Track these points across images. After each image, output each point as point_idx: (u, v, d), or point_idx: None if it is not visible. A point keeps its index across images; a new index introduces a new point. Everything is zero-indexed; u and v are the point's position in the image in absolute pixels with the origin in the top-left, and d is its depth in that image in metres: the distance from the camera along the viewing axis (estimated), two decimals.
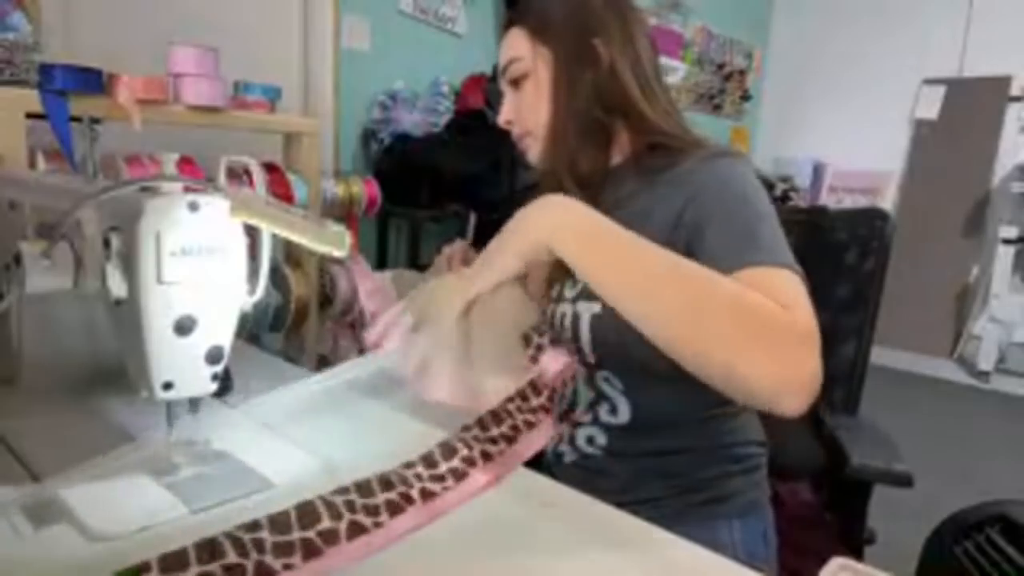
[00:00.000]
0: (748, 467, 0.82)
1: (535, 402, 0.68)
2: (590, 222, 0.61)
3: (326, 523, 0.46)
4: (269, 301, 1.58)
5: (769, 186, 0.82)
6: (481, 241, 0.68)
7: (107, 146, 0.85)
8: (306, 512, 0.47)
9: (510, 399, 0.68)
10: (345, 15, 2.29)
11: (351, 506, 0.48)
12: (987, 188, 3.87)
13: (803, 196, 4.21)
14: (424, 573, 0.49)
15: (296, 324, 1.67)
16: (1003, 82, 3.80)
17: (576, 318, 0.77)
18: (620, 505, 0.60)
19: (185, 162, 1.39)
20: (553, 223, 0.61)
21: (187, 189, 0.55)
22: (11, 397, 0.75)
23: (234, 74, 1.53)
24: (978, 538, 0.85)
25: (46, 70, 1.20)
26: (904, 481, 0.87)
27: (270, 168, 1.60)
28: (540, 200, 0.62)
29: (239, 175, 1.35)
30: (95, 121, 0.70)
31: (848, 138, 4.29)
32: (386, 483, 0.52)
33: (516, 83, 0.84)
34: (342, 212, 1.89)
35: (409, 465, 0.56)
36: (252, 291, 0.62)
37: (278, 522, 0.45)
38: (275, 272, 1.61)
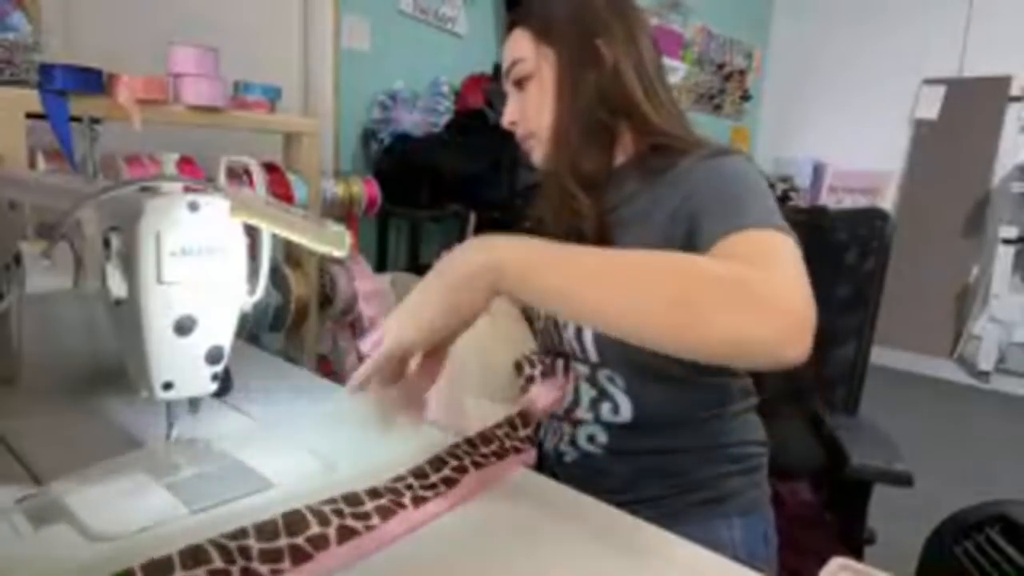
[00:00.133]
0: (749, 467, 0.82)
1: (522, 432, 0.69)
2: (526, 255, 0.55)
3: (315, 529, 0.46)
4: (269, 301, 1.59)
5: (769, 186, 0.82)
6: None
7: (107, 146, 0.85)
8: (293, 520, 0.46)
9: (498, 426, 0.68)
10: (345, 15, 2.29)
11: (339, 513, 0.48)
12: (987, 188, 3.87)
13: (803, 196, 4.21)
14: (424, 572, 0.49)
15: (296, 324, 1.67)
16: (1003, 82, 3.80)
17: None
18: (620, 504, 0.60)
19: (185, 162, 1.39)
20: (486, 265, 0.55)
21: (187, 189, 0.55)
22: (11, 397, 0.75)
23: (234, 74, 1.53)
24: (978, 538, 0.85)
25: (46, 70, 1.20)
26: (904, 481, 0.87)
27: (270, 168, 1.60)
28: (459, 250, 0.58)
29: (239, 175, 1.35)
30: (95, 121, 0.70)
31: (848, 138, 4.29)
32: (375, 494, 0.52)
33: (520, 84, 0.84)
34: (342, 212, 1.89)
35: (399, 479, 0.56)
36: (252, 291, 0.62)
37: (265, 530, 0.45)
38: (275, 272, 1.61)
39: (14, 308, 0.72)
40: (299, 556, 0.44)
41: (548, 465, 0.86)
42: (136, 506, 0.54)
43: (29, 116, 1.16)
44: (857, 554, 0.96)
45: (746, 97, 4.42)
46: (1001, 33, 3.80)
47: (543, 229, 0.87)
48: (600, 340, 0.77)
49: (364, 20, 2.36)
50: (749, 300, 0.50)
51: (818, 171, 4.35)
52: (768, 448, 0.86)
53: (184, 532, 0.52)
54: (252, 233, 0.59)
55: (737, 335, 0.50)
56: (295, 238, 0.56)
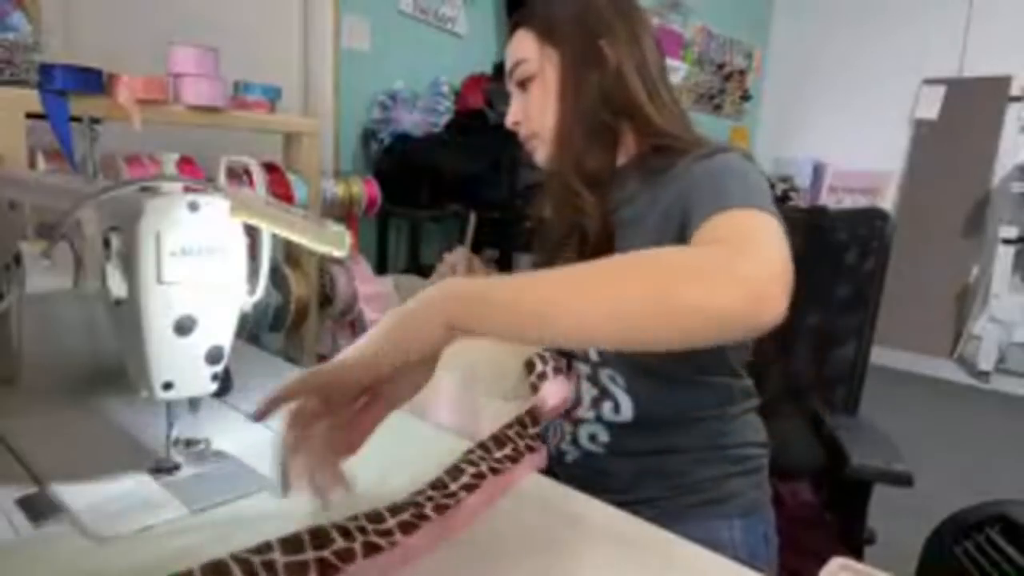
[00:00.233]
0: (749, 468, 0.82)
1: (531, 430, 0.69)
2: (483, 283, 0.51)
3: (340, 543, 0.45)
4: (269, 301, 1.59)
5: (769, 186, 0.82)
6: (481, 243, 0.67)
7: (107, 146, 0.85)
8: (318, 535, 0.46)
9: (508, 426, 0.68)
10: (345, 15, 2.29)
11: (363, 530, 0.48)
12: (987, 188, 3.87)
13: (803, 196, 4.21)
14: (423, 572, 0.49)
15: (296, 324, 1.67)
16: (1003, 82, 3.81)
17: None
18: (621, 505, 0.60)
19: (185, 162, 1.39)
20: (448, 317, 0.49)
21: (187, 189, 0.55)
22: (11, 397, 0.75)
23: (234, 74, 1.53)
24: (978, 538, 0.85)
25: (46, 70, 1.20)
26: (904, 481, 0.87)
27: (270, 168, 1.60)
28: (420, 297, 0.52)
29: (239, 175, 1.35)
30: (95, 121, 0.70)
31: (848, 138, 4.29)
32: (395, 509, 0.52)
33: (523, 85, 0.84)
34: (342, 212, 1.89)
35: (419, 492, 0.56)
36: (252, 291, 0.62)
37: (290, 543, 0.44)
38: (275, 272, 1.61)
39: (14, 308, 0.72)
40: (326, 569, 0.44)
41: (549, 465, 0.86)
42: (136, 506, 0.54)
43: (29, 116, 1.16)
44: (857, 554, 0.96)
45: (746, 97, 4.42)
46: (1001, 33, 3.80)
47: (544, 229, 0.87)
48: None
49: (364, 20, 2.36)
50: (713, 272, 0.49)
51: (818, 171, 4.35)
52: (769, 449, 0.86)
53: (184, 532, 0.52)
54: (252, 233, 0.59)
55: (707, 307, 0.47)
56: (295, 238, 0.56)
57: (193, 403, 0.59)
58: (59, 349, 0.77)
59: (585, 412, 0.82)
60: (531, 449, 0.66)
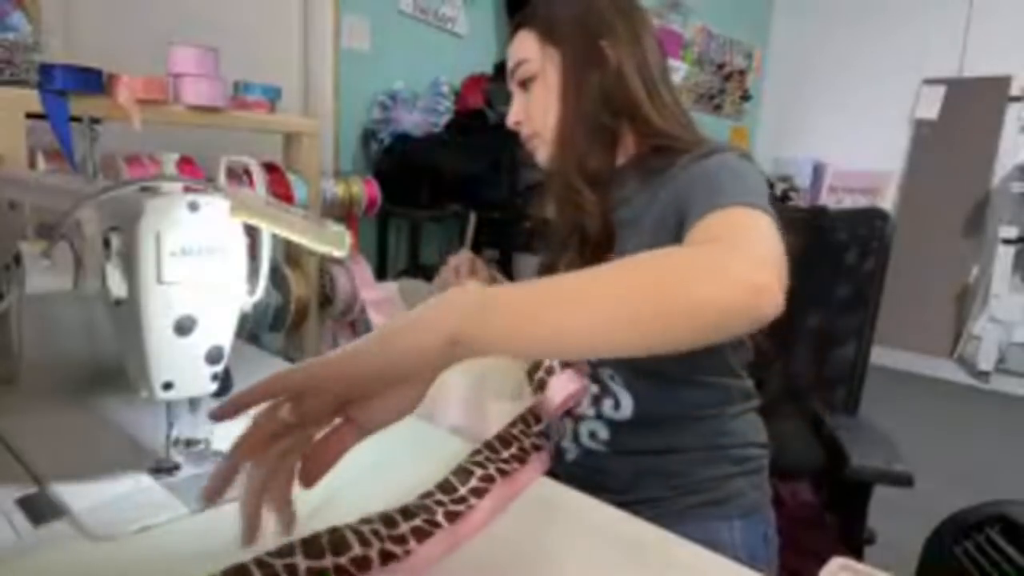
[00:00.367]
0: (749, 468, 0.82)
1: (536, 428, 0.69)
2: (485, 294, 0.47)
3: (356, 550, 0.46)
4: (269, 301, 1.59)
5: (769, 186, 0.82)
6: (482, 243, 0.67)
7: (107, 146, 0.85)
8: (336, 540, 0.46)
9: (513, 424, 0.68)
10: (345, 15, 2.29)
11: (378, 535, 0.48)
12: (987, 188, 3.87)
13: (803, 196, 4.21)
14: (422, 570, 0.49)
15: (296, 324, 1.67)
16: (1003, 82, 3.80)
17: None
18: (621, 505, 0.60)
19: (185, 162, 1.39)
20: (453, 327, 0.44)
21: (187, 189, 0.55)
22: (11, 397, 0.75)
23: (234, 74, 1.53)
24: (978, 538, 0.85)
25: (46, 70, 1.20)
26: (904, 481, 0.87)
27: (270, 168, 1.60)
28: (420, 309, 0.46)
29: (239, 175, 1.35)
30: (95, 121, 0.70)
31: (848, 138, 4.29)
32: (408, 513, 0.52)
33: (524, 85, 0.84)
34: (342, 212, 1.89)
35: (428, 495, 0.56)
36: (252, 291, 0.62)
37: (312, 547, 0.45)
38: (275, 272, 1.61)
39: (14, 308, 0.72)
40: None
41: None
42: (136, 506, 0.54)
43: (29, 116, 1.16)
44: (857, 554, 0.96)
45: (746, 97, 4.42)
46: (1001, 33, 3.80)
47: (544, 229, 0.88)
48: None
49: (364, 20, 2.36)
50: (712, 269, 0.48)
51: (818, 171, 4.35)
52: (769, 450, 0.86)
53: (184, 532, 0.52)
54: (252, 233, 0.59)
55: (715, 303, 0.46)
56: (295, 238, 0.56)
57: (193, 403, 0.59)
58: (59, 349, 0.77)
59: (586, 409, 0.82)
60: (536, 448, 0.66)
